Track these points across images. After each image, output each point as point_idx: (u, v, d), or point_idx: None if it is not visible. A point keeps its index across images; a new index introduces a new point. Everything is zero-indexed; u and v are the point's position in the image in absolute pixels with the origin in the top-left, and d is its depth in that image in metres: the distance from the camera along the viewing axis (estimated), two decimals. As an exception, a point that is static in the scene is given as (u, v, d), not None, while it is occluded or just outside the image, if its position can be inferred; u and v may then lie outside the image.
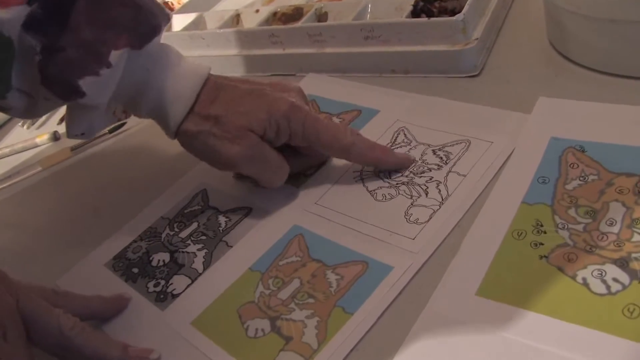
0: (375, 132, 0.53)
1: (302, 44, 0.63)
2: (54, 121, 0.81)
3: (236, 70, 0.70)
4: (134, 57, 0.45)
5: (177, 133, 0.47)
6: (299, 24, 0.63)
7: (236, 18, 0.72)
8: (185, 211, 0.54)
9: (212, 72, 0.48)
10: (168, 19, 0.48)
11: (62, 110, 0.76)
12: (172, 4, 0.92)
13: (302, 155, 0.50)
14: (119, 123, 0.69)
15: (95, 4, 0.42)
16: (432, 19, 0.54)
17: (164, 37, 0.73)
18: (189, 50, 0.72)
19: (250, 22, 0.70)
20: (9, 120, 0.86)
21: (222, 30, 0.68)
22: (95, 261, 0.53)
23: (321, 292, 0.41)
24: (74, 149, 0.68)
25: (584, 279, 0.36)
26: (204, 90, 0.47)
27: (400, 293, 0.39)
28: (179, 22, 0.77)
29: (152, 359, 0.41)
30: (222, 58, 0.69)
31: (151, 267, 0.49)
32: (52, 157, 0.68)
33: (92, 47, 0.42)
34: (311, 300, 0.41)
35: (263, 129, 0.45)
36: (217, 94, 0.47)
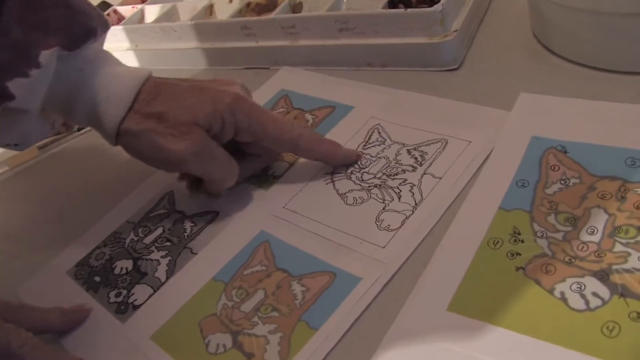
0: (349, 130, 0.50)
1: (275, 37, 0.60)
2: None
3: (209, 64, 0.67)
4: (67, 58, 0.43)
5: (118, 135, 0.45)
6: (271, 15, 0.60)
7: (209, 9, 0.69)
8: (151, 215, 0.51)
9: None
10: (106, 26, 0.46)
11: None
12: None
13: (250, 157, 0.48)
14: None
15: (25, 4, 0.40)
16: (409, 10, 0.51)
17: (136, 30, 0.71)
18: (160, 43, 0.69)
19: (223, 13, 0.68)
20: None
21: (193, 22, 0.65)
22: (57, 268, 0.50)
23: (285, 304, 0.39)
24: (40, 147, 0.65)
25: (562, 293, 0.33)
26: (143, 89, 0.44)
27: (368, 307, 0.37)
28: (151, 13, 0.74)
29: None
30: (194, 51, 0.67)
31: (113, 276, 0.47)
32: (19, 156, 0.65)
33: (21, 47, 0.40)
34: (275, 314, 0.39)
35: (209, 123, 0.43)
36: (158, 91, 0.44)
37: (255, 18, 0.60)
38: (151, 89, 0.44)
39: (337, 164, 0.46)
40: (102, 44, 0.47)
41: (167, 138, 0.43)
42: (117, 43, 0.74)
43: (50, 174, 0.63)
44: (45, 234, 0.55)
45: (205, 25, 0.64)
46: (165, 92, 0.44)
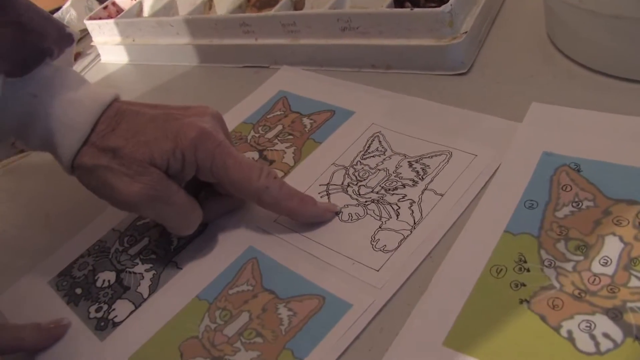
0: (347, 137, 0.47)
1: (275, 34, 0.57)
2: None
3: (207, 61, 0.64)
4: (15, 83, 0.40)
5: (73, 168, 0.41)
6: (271, 11, 0.56)
7: (209, 3, 0.66)
8: (138, 224, 0.49)
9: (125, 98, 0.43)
10: (68, 41, 0.42)
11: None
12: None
13: (220, 197, 0.44)
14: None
15: None
16: (415, 9, 0.48)
17: (132, 24, 0.68)
18: (157, 38, 0.66)
19: (223, 8, 0.65)
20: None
21: (191, 17, 0.62)
22: (38, 278, 0.48)
23: (270, 330, 0.36)
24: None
25: (570, 332, 0.30)
26: (102, 119, 0.40)
27: (357, 337, 0.34)
28: (149, 6, 0.71)
29: None
30: (192, 47, 0.64)
31: (95, 288, 0.45)
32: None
33: None
34: (259, 340, 0.36)
35: (166, 162, 0.39)
36: (118, 122, 0.40)
37: (255, 14, 0.57)
38: (111, 119, 0.40)
39: (306, 222, 0.41)
40: (67, 60, 0.43)
41: (121, 178, 0.39)
42: (113, 37, 0.72)
43: (39, 176, 0.61)
44: (31, 239, 0.53)
45: (202, 21, 0.61)
46: (126, 123, 0.40)
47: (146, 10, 0.71)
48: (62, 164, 0.42)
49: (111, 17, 0.74)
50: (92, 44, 0.77)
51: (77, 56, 0.81)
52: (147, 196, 0.39)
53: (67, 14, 0.81)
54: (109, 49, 0.74)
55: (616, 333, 0.29)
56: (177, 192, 0.40)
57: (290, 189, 0.41)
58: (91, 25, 0.74)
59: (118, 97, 0.42)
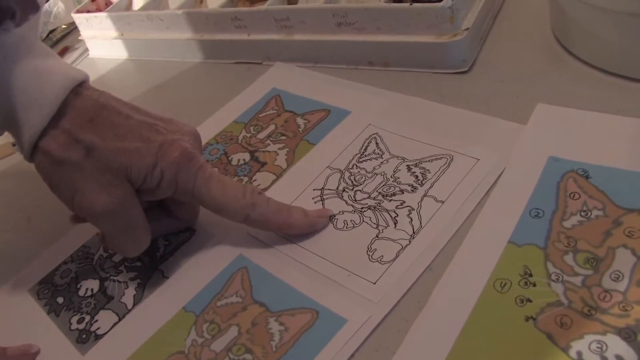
0: (343, 138, 0.45)
1: (268, 30, 0.54)
2: None
3: (198, 57, 0.62)
4: None
5: (34, 151, 0.36)
6: (264, 6, 0.54)
7: (200, -4, 0.64)
8: (123, 228, 0.46)
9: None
10: (32, 7, 0.37)
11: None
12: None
13: (165, 217, 0.42)
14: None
15: None
16: (415, 4, 0.45)
17: (121, 17, 0.65)
18: (147, 33, 0.63)
19: (214, 2, 0.62)
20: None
21: (181, 11, 0.59)
22: (19, 285, 0.46)
23: (260, 346, 0.34)
24: (15, 144, 0.61)
25: (579, 354, 0.28)
26: (76, 100, 0.36)
27: (352, 356, 0.32)
28: (139, -1, 0.68)
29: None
30: (183, 42, 0.61)
31: (78, 298, 0.43)
32: (-6, 151, 0.60)
33: None
34: (248, 357, 0.34)
35: (143, 177, 0.36)
36: (96, 112, 0.36)
37: (247, 9, 0.54)
38: (88, 106, 0.36)
39: (298, 235, 0.39)
40: (32, 29, 0.37)
41: (89, 183, 0.35)
42: (101, 31, 0.69)
43: (19, 177, 0.59)
44: (12, 243, 0.51)
45: (193, 15, 0.59)
46: (106, 120, 0.36)
47: (136, 4, 0.69)
48: (21, 146, 0.37)
49: (100, 10, 0.71)
50: (80, 37, 0.75)
51: (65, 50, 0.78)
52: (111, 211, 0.36)
53: (55, 7, 0.78)
54: (97, 43, 0.72)
55: (630, 355, 0.27)
56: (140, 215, 0.37)
57: (277, 203, 0.38)
58: (79, 19, 0.71)
59: (88, 78, 0.38)
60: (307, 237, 0.39)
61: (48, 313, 0.42)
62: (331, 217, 0.39)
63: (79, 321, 0.41)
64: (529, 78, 0.44)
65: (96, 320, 0.40)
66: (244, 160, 0.47)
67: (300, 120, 0.48)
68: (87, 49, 0.75)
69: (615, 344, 0.28)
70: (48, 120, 0.35)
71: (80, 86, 0.37)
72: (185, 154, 0.36)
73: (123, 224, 0.37)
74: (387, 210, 0.38)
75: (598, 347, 0.28)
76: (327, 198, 0.41)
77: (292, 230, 0.39)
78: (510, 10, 0.51)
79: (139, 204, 0.37)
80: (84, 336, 0.40)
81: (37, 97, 0.35)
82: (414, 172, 0.40)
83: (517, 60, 0.46)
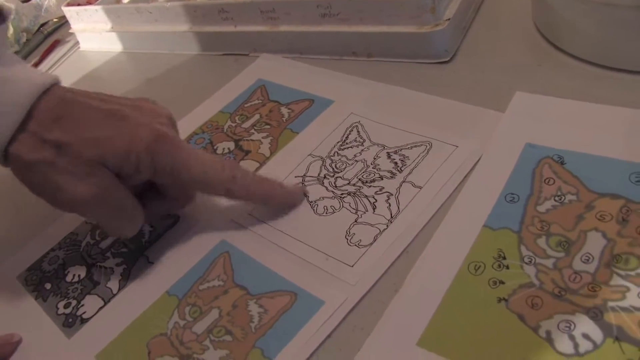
0: (326, 127, 0.46)
1: (254, 21, 0.55)
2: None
3: (187, 49, 0.62)
4: None
5: (7, 158, 0.37)
6: (251, -3, 0.55)
7: (189, -12, 0.64)
8: (110, 216, 0.47)
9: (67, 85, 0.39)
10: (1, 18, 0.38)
11: None
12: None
13: (162, 198, 0.42)
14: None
15: None
16: (398, -5, 0.46)
17: (111, 10, 0.66)
18: (136, 25, 0.64)
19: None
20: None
21: (169, 4, 0.60)
22: (7, 272, 0.46)
23: (240, 328, 0.35)
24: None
25: (548, 333, 0.29)
26: (42, 104, 0.36)
27: (329, 336, 0.33)
28: (129, -9, 0.69)
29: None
30: (171, 34, 0.62)
31: (65, 283, 0.43)
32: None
33: None
34: (228, 338, 0.35)
35: (119, 163, 0.36)
36: (62, 111, 0.36)
37: (233, 1, 0.55)
38: (53, 107, 0.36)
39: (279, 206, 0.40)
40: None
41: (66, 177, 0.35)
42: (92, 24, 0.70)
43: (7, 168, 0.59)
44: (0, 232, 0.51)
45: (181, 7, 0.59)
46: (72, 115, 0.36)
47: (125, -4, 0.69)
48: None
49: (90, 4, 0.72)
50: (70, 31, 0.75)
51: (56, 43, 0.79)
52: (95, 198, 0.36)
53: (46, 0, 0.79)
54: (87, 36, 0.72)
55: (596, 334, 0.28)
56: (125, 197, 0.37)
57: (256, 174, 0.39)
58: (69, 12, 0.72)
59: (58, 82, 0.38)
60: (287, 221, 0.39)
61: (36, 298, 0.43)
62: (306, 195, 0.40)
63: (66, 306, 0.42)
64: (510, 68, 0.44)
65: (82, 305, 0.41)
66: (228, 149, 0.48)
67: (284, 110, 0.49)
68: (78, 42, 0.76)
69: (583, 323, 0.29)
70: (15, 127, 0.36)
71: (49, 89, 0.37)
72: (158, 135, 0.36)
73: (110, 208, 0.37)
74: (366, 196, 0.39)
75: (566, 326, 0.29)
76: (308, 184, 0.42)
77: (273, 200, 0.39)
78: (493, 1, 0.52)
79: (122, 187, 0.37)
80: (70, 320, 0.40)
81: (5, 106, 0.36)
82: (394, 159, 0.41)
83: (498, 51, 0.46)
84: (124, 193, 0.37)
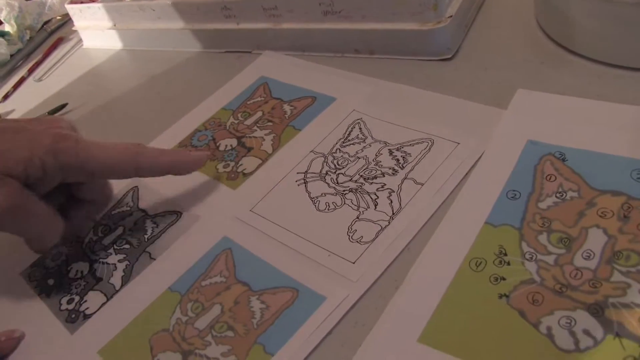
0: (328, 124, 0.46)
1: (257, 19, 0.55)
2: None
3: (190, 46, 0.62)
4: None
5: None
6: (253, -6, 0.55)
7: (192, -14, 0.64)
8: (113, 212, 0.47)
9: None
10: None
11: None
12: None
13: (81, 204, 0.42)
14: (61, 105, 0.62)
15: None
16: (399, -8, 0.46)
17: (114, 8, 0.66)
18: (139, 23, 0.64)
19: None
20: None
21: (172, 1, 0.60)
22: (11, 268, 0.47)
23: (242, 324, 0.35)
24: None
25: (549, 329, 0.29)
26: None
27: (330, 332, 0.33)
28: (131, -11, 0.69)
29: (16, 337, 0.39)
30: (174, 32, 0.62)
31: (68, 280, 0.43)
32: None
33: None
34: (230, 334, 0.35)
35: (25, 171, 0.36)
36: None
37: (236, -2, 0.55)
38: None
39: (189, 171, 0.42)
40: None
41: None
42: (95, 21, 0.70)
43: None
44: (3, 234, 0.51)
45: (184, 5, 0.59)
46: None
47: (128, -6, 0.69)
48: None
49: (93, 1, 0.72)
50: (74, 28, 0.76)
51: (59, 41, 0.79)
52: (5, 209, 0.36)
53: (50, -2, 0.79)
54: (91, 33, 0.73)
55: (597, 330, 0.28)
56: (36, 204, 0.38)
57: (159, 148, 0.41)
58: (72, 10, 0.72)
59: None
60: (289, 219, 0.40)
61: (39, 294, 0.43)
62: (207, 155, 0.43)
63: (69, 302, 0.42)
64: (512, 65, 0.44)
65: (85, 301, 0.41)
66: (231, 145, 0.48)
67: (286, 107, 0.49)
68: (81, 40, 0.76)
69: (584, 319, 0.29)
70: None
71: None
72: (57, 137, 0.38)
73: (21, 217, 0.37)
74: (368, 193, 0.39)
75: (567, 323, 0.29)
76: (310, 181, 0.42)
77: (184, 166, 0.41)
78: (495, -2, 0.52)
79: (31, 195, 0.37)
80: (73, 316, 0.41)
81: None
82: (395, 156, 0.41)
83: (501, 48, 0.46)
84: (33, 200, 0.37)
